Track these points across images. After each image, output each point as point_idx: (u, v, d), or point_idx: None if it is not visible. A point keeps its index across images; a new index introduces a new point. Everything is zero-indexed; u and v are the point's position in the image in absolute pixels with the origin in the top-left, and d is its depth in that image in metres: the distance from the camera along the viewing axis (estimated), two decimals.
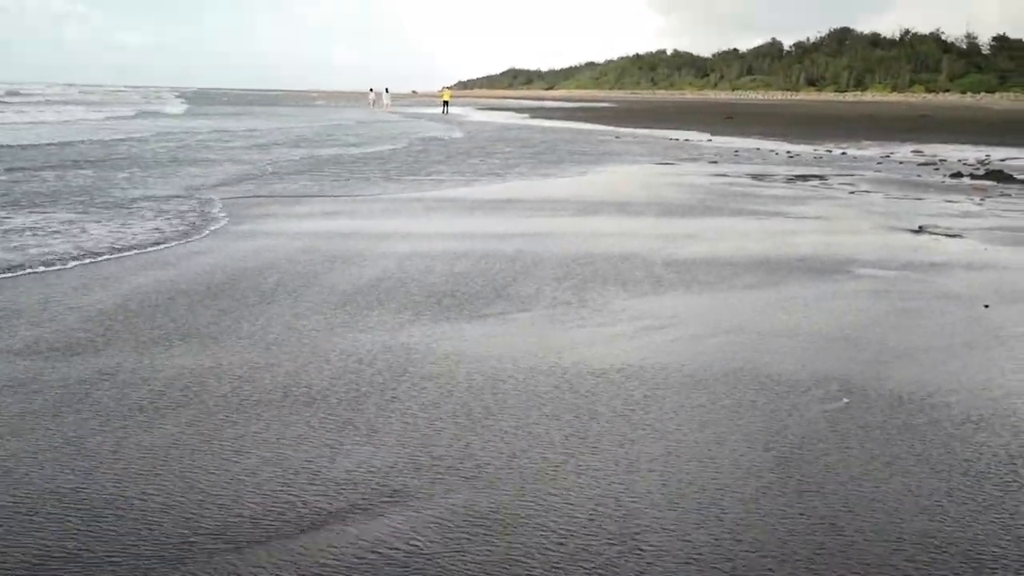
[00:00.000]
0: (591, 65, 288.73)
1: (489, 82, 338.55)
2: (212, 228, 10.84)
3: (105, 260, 8.81)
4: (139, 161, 19.90)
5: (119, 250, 9.31)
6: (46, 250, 9.10)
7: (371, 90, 73.57)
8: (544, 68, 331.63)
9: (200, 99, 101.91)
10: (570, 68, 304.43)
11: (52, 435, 4.41)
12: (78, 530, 3.51)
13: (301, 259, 8.97)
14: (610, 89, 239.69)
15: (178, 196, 13.75)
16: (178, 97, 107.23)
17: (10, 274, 7.98)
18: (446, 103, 73.31)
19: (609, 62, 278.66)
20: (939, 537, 3.59)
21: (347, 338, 6.21)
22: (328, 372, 5.45)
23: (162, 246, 9.66)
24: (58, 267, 8.37)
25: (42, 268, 8.25)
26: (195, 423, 4.61)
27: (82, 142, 25.40)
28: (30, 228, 10.41)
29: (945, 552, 3.48)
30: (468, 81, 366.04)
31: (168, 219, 11.42)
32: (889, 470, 4.20)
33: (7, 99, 66.52)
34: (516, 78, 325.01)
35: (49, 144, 24.22)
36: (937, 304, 7.58)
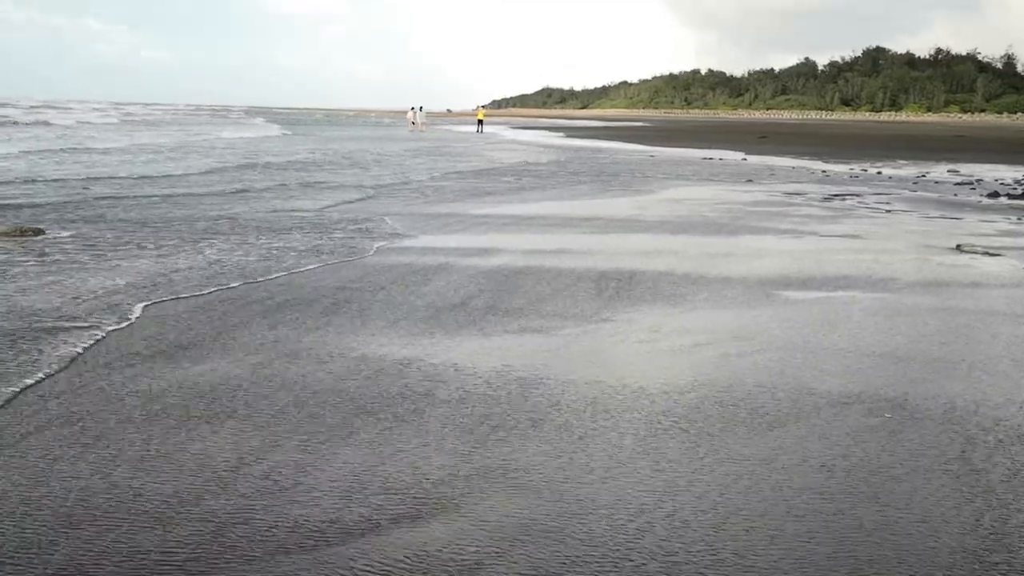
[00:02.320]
0: (625, 84, 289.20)
1: (523, 101, 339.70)
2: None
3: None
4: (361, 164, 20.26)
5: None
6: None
7: (411, 109, 71.62)
8: (578, 87, 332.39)
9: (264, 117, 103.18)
10: (604, 87, 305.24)
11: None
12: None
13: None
14: (643, 108, 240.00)
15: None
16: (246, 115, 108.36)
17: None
18: (480, 122, 73.74)
19: (643, 81, 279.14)
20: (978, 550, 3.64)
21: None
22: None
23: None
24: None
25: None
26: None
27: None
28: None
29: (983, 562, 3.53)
30: (502, 100, 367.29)
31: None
32: (932, 478, 4.25)
33: (93, 119, 66.58)
34: (550, 97, 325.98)
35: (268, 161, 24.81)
36: (979, 321, 7.60)
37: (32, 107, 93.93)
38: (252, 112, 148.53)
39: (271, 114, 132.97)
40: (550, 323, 7.23)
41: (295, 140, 44.56)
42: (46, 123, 51.81)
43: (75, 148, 29.93)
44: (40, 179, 18.37)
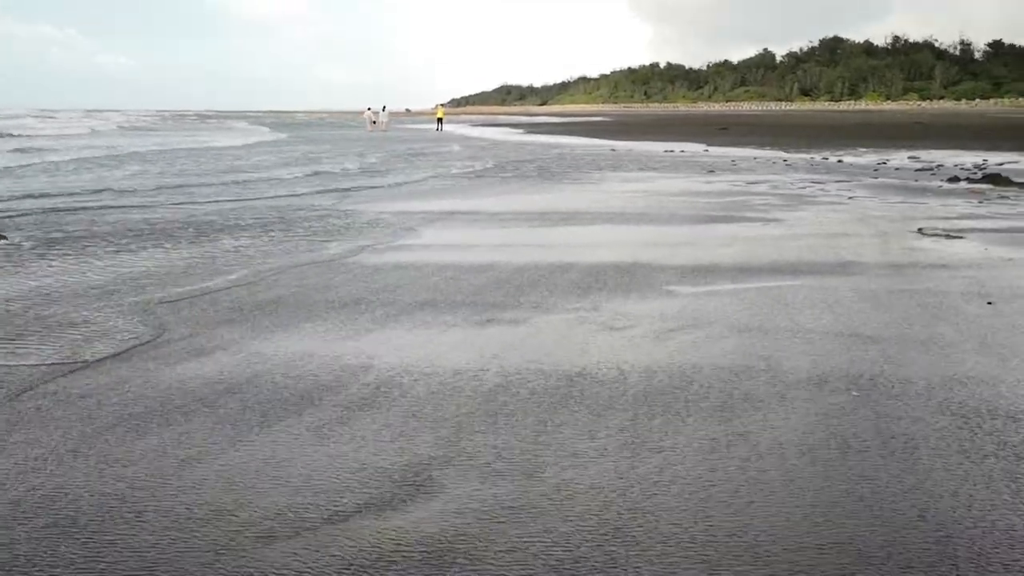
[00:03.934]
0: (584, 80, 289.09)
1: (482, 99, 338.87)
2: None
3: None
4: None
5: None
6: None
7: (368, 109, 71.60)
8: (537, 84, 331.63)
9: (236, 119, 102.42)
10: (563, 83, 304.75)
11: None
12: None
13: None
14: (603, 103, 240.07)
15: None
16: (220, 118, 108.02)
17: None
18: (440, 120, 73.31)
19: (602, 76, 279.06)
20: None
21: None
22: None
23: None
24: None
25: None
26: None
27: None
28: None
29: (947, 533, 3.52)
30: (461, 98, 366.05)
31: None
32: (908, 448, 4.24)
33: (74, 128, 65.35)
34: (509, 94, 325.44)
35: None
36: (942, 301, 7.62)
37: None
38: (225, 116, 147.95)
39: (250, 118, 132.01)
40: (525, 313, 7.19)
41: (298, 143, 44.08)
42: (29, 135, 47.92)
43: (116, 154, 30.26)
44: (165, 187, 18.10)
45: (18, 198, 15.89)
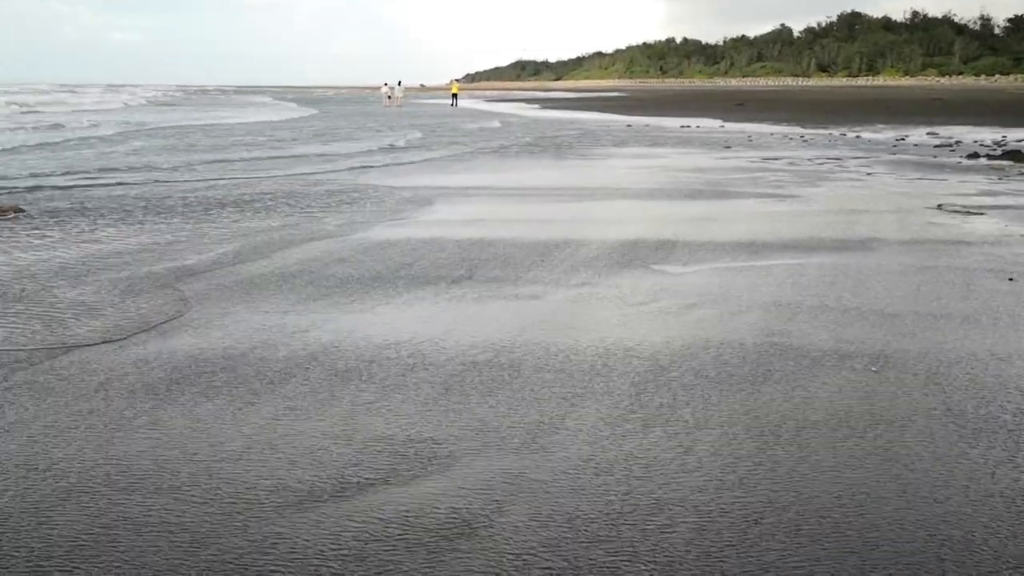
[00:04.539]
0: (599, 55, 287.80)
1: (497, 74, 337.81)
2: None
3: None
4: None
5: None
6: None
7: (385, 84, 71.46)
8: (552, 59, 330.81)
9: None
10: (578, 58, 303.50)
11: None
12: None
13: None
14: (619, 78, 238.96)
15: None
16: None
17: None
18: (455, 96, 73.32)
19: (617, 51, 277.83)
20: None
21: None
22: None
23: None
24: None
25: None
26: None
27: None
28: None
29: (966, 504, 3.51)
30: (476, 74, 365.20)
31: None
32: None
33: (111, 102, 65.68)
34: (524, 69, 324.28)
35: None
36: (962, 278, 7.59)
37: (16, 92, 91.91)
38: (244, 91, 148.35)
39: (269, 93, 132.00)
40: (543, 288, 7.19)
41: (328, 118, 44.18)
42: (72, 110, 47.86)
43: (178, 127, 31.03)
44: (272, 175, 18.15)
45: (86, 172, 15.93)
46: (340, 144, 24.71)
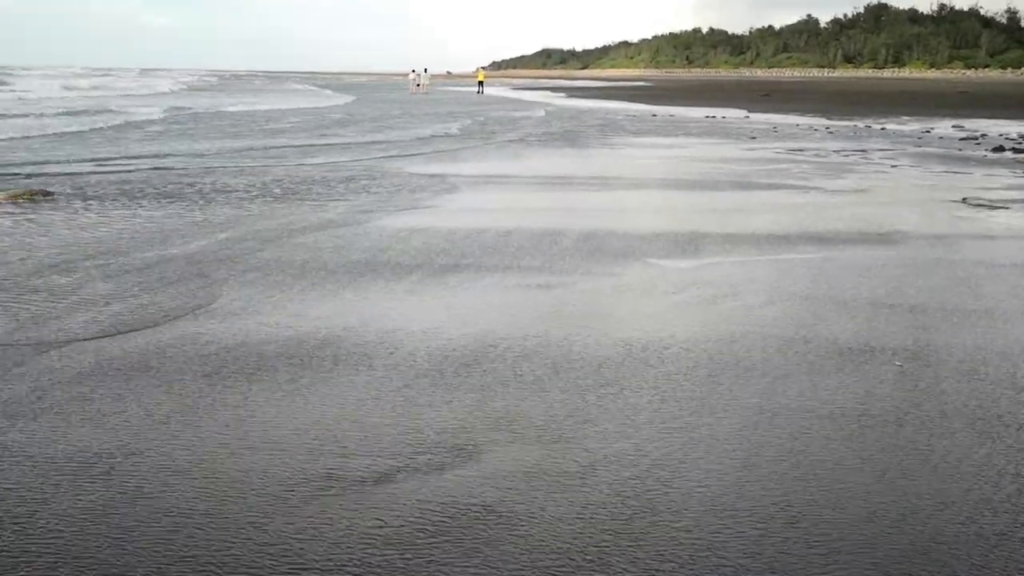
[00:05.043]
0: (625, 44, 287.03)
1: (522, 62, 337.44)
2: None
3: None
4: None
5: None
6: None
7: (413, 71, 71.37)
8: (578, 48, 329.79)
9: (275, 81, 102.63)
10: (604, 47, 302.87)
11: None
12: None
13: None
14: (645, 68, 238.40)
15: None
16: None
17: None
18: (481, 83, 73.47)
19: (643, 41, 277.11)
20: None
21: None
22: None
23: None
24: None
25: None
26: None
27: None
28: None
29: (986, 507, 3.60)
30: (501, 61, 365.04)
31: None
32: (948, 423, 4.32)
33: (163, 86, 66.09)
34: (550, 58, 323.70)
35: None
36: (988, 272, 7.64)
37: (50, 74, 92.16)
38: (276, 77, 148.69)
39: (299, 79, 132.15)
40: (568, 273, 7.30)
41: (368, 103, 44.36)
42: (127, 94, 48.98)
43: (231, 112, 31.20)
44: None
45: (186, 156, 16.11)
46: (396, 132, 24.71)
